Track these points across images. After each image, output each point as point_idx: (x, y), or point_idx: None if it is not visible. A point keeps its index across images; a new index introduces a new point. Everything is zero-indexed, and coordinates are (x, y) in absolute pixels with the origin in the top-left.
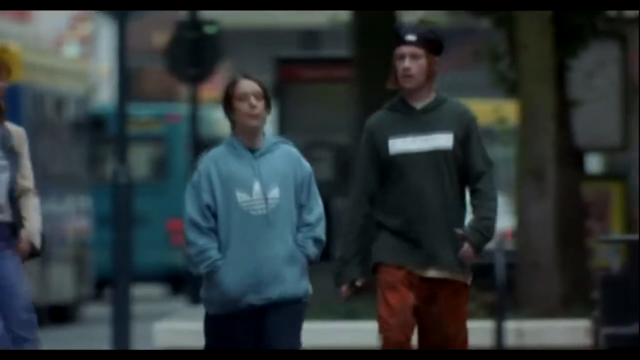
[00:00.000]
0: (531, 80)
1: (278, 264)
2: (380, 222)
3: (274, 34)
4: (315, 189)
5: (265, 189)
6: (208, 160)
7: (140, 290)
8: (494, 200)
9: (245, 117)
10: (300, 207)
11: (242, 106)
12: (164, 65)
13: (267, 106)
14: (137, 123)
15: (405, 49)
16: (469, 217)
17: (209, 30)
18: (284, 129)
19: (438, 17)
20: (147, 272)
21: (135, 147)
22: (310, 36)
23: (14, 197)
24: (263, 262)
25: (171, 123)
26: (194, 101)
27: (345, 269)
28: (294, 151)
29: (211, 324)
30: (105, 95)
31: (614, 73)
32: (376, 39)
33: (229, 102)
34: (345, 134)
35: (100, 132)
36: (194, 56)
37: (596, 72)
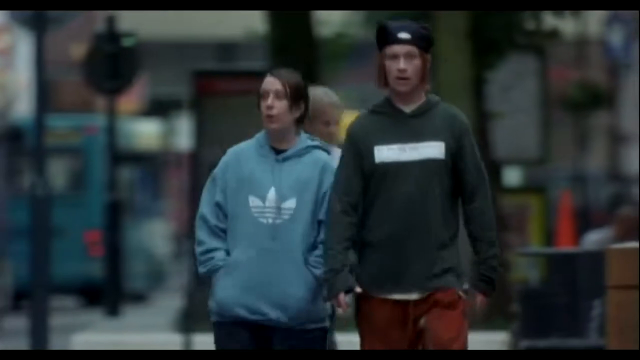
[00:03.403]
0: (449, 93)
1: (281, 282)
2: (363, 238)
3: (191, 47)
4: None
5: (280, 197)
6: (231, 154)
7: (57, 302)
8: (492, 227)
9: (263, 119)
10: (319, 223)
11: (262, 105)
12: (82, 77)
13: (294, 106)
14: (55, 135)
15: (398, 49)
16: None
17: (126, 42)
18: (201, 141)
19: (355, 30)
20: (64, 283)
21: (53, 158)
22: (226, 49)
23: None
24: (265, 276)
25: (88, 135)
26: (112, 113)
27: (337, 280)
28: (325, 159)
29: (214, 331)
30: (23, 107)
31: (532, 86)
32: (292, 52)
33: (258, 98)
34: None
35: (18, 144)
36: (111, 68)
37: (514, 85)
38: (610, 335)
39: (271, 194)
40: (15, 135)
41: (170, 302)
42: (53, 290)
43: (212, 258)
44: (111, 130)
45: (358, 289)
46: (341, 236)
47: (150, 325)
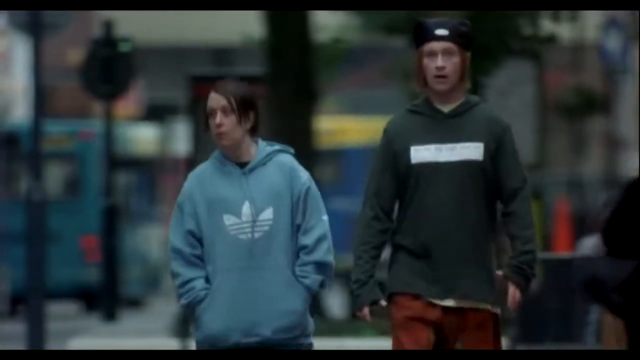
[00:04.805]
0: None
1: (271, 298)
2: (396, 243)
3: (187, 52)
4: (314, 203)
5: (256, 210)
6: (192, 179)
7: (53, 308)
8: (530, 226)
9: (214, 137)
10: (298, 228)
11: (211, 124)
12: (78, 82)
13: (243, 117)
14: (51, 140)
15: (436, 45)
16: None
17: (123, 47)
18: (198, 146)
19: (351, 35)
20: (61, 289)
21: (49, 163)
22: (223, 54)
23: None
24: (253, 294)
25: (84, 140)
26: (108, 118)
27: (363, 291)
28: (290, 161)
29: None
30: (20, 112)
31: (528, 91)
32: (288, 56)
33: (206, 118)
34: None
35: (15, 149)
36: (107, 73)
37: (510, 90)
38: (606, 340)
39: (246, 208)
40: (11, 140)
41: (166, 307)
42: (49, 295)
43: (193, 288)
44: (108, 135)
45: (383, 302)
46: (370, 244)
47: (147, 330)
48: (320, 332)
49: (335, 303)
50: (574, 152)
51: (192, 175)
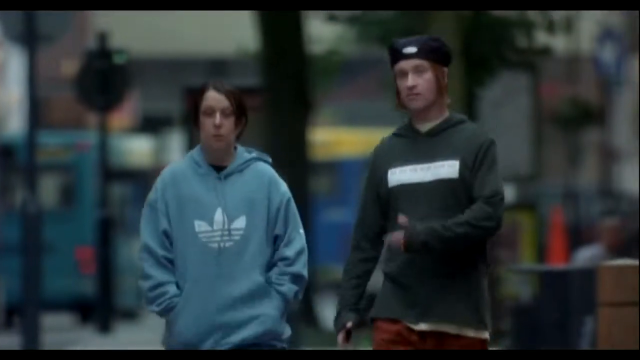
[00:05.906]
0: None
1: (243, 305)
2: (383, 270)
3: (182, 63)
4: (294, 215)
5: (228, 218)
6: (166, 176)
7: (48, 319)
8: (477, 226)
9: (208, 138)
10: (276, 238)
11: (206, 123)
12: (73, 93)
13: (238, 121)
14: (46, 151)
15: (405, 64)
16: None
17: (117, 59)
18: None
19: (346, 47)
20: (56, 300)
21: (44, 175)
22: (218, 65)
23: None
24: (224, 303)
25: (80, 152)
26: (103, 130)
27: (337, 321)
28: (268, 170)
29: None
30: (15, 124)
31: (523, 102)
32: (283, 68)
33: (196, 113)
34: None
35: (10, 160)
36: (103, 85)
37: (506, 101)
38: None
39: (218, 215)
40: (6, 152)
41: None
42: (44, 306)
43: (165, 294)
44: (103, 147)
45: (349, 325)
46: (350, 273)
47: (142, 342)
48: (316, 343)
49: (330, 314)
50: (569, 163)
51: (166, 172)
